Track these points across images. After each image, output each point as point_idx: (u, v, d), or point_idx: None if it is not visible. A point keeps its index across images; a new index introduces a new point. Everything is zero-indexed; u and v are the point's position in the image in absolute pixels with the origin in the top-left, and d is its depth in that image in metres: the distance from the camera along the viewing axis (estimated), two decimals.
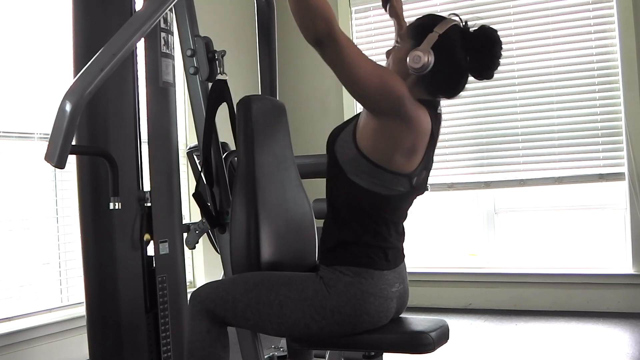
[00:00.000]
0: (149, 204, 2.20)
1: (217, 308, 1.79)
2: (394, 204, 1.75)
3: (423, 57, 1.66)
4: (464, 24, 1.76)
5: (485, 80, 1.80)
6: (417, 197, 1.83)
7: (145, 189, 2.22)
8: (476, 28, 1.75)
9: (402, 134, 1.66)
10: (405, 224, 1.85)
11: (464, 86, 1.79)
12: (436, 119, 1.77)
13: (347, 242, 1.74)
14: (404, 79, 1.72)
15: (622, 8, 3.99)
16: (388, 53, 1.84)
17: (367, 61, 1.63)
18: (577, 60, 4.15)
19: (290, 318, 1.73)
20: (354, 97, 1.68)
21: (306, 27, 1.60)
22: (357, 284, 1.69)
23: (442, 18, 1.76)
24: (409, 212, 1.84)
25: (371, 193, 1.71)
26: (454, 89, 1.79)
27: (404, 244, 1.85)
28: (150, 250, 2.21)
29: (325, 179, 1.92)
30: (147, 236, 2.18)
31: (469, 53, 1.73)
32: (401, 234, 1.83)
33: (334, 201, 1.79)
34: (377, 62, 1.68)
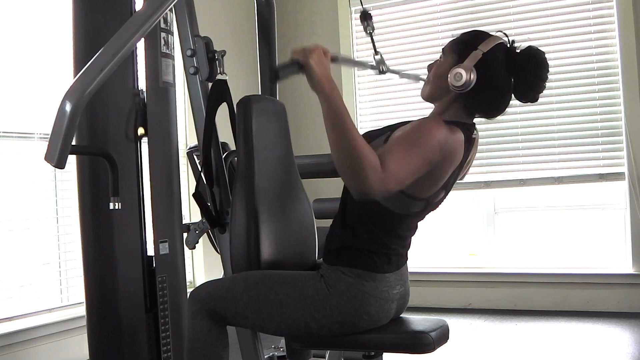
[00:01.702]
0: (144, 97, 2.19)
1: (216, 307, 1.79)
2: (405, 221, 1.74)
3: (465, 75, 1.63)
4: (510, 42, 1.72)
5: (529, 103, 1.75)
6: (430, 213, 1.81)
7: (140, 87, 2.21)
8: (523, 48, 1.71)
9: (433, 168, 1.63)
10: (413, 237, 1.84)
11: (505, 108, 1.74)
12: (469, 143, 1.73)
13: (353, 246, 1.73)
14: (443, 95, 1.70)
15: (622, 8, 3.99)
16: (430, 67, 1.80)
17: (409, 164, 1.56)
18: (577, 60, 4.15)
19: (290, 317, 1.73)
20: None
21: (357, 187, 1.52)
22: (359, 285, 1.69)
23: (488, 35, 1.71)
24: (419, 225, 1.82)
25: (384, 209, 1.69)
26: (494, 110, 1.75)
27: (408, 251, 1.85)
28: (150, 250, 2.21)
29: (324, 179, 1.92)
30: (141, 130, 2.17)
31: (513, 74, 1.69)
32: (407, 245, 1.82)
33: (346, 204, 1.78)
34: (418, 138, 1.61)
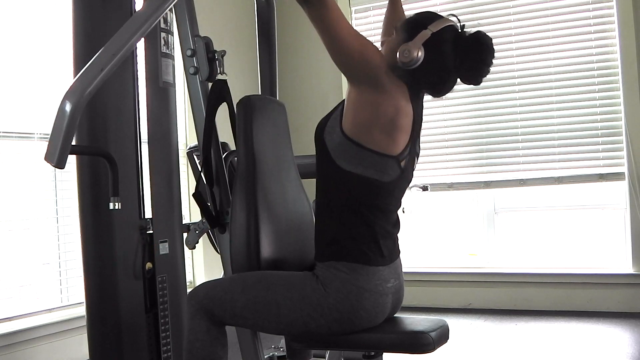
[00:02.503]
0: (150, 232, 2.20)
1: (215, 307, 1.79)
2: (386, 190, 1.76)
3: (412, 52, 1.68)
4: (461, 26, 1.77)
5: (472, 85, 1.80)
6: (408, 187, 1.83)
7: (146, 217, 2.21)
8: (472, 32, 1.75)
9: (379, 106, 1.68)
10: (400, 214, 1.85)
11: (450, 88, 1.80)
12: (418, 104, 1.79)
13: (342, 236, 1.74)
14: (392, 70, 1.74)
15: (622, 8, 3.99)
16: (382, 43, 1.86)
17: (350, 26, 1.68)
18: (577, 60, 4.15)
19: (288, 317, 1.73)
20: (335, 59, 1.70)
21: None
22: (353, 280, 1.70)
23: (439, 17, 1.77)
24: (402, 201, 1.85)
25: (362, 179, 1.72)
26: (439, 89, 1.80)
27: (399, 236, 1.85)
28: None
29: None
30: (149, 265, 2.18)
31: (459, 56, 1.73)
32: (396, 224, 1.83)
33: (326, 194, 1.79)
34: None
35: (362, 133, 1.70)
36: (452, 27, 1.75)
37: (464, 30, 1.77)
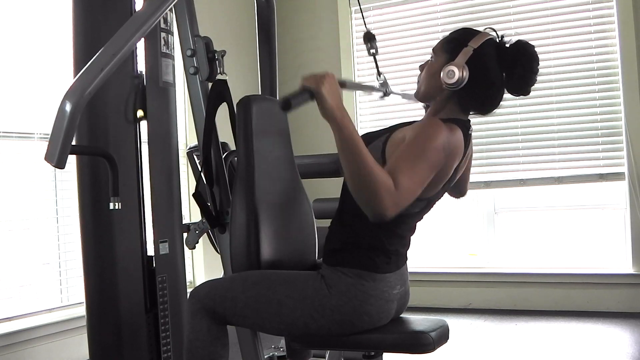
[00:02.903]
0: (142, 79, 2.18)
1: (216, 306, 1.79)
2: (405, 220, 1.74)
3: (457, 72, 1.64)
4: (499, 38, 1.74)
5: (521, 96, 1.77)
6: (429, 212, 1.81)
7: (139, 70, 2.19)
8: (512, 42, 1.72)
9: (439, 171, 1.64)
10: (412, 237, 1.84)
11: (499, 102, 1.76)
12: (467, 139, 1.75)
13: (352, 245, 1.73)
14: (436, 93, 1.71)
15: (622, 8, 3.99)
16: (422, 67, 1.81)
17: (419, 176, 1.58)
18: (577, 60, 4.15)
19: (289, 317, 1.73)
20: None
21: (374, 211, 1.53)
22: (359, 285, 1.69)
23: (476, 32, 1.73)
24: (418, 225, 1.82)
25: None
26: (488, 105, 1.76)
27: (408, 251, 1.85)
28: (150, 250, 2.21)
29: (324, 179, 1.91)
30: (140, 112, 2.16)
31: (504, 69, 1.70)
32: (406, 245, 1.82)
33: (345, 203, 1.78)
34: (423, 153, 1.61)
35: (417, 195, 1.62)
36: (492, 40, 1.72)
37: (504, 41, 1.73)
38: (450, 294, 4.43)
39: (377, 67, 2.16)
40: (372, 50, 2.28)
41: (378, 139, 1.75)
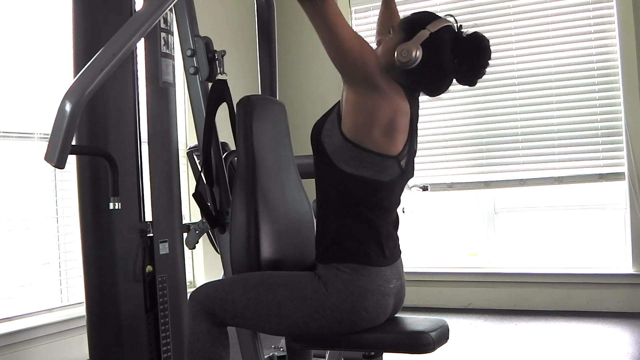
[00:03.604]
0: (150, 235, 2.20)
1: (216, 308, 1.79)
2: (386, 189, 1.76)
3: (411, 52, 1.68)
4: (458, 26, 1.77)
5: (467, 86, 1.81)
6: (408, 187, 1.83)
7: (147, 220, 2.21)
8: (469, 33, 1.76)
9: (378, 108, 1.68)
10: (399, 213, 1.86)
11: (447, 87, 1.80)
12: (414, 102, 1.79)
13: (343, 237, 1.74)
14: (389, 69, 1.74)
15: (622, 8, 3.99)
16: (379, 42, 1.86)
17: (349, 25, 1.67)
18: (577, 60, 4.15)
19: (289, 318, 1.73)
20: (333, 57, 1.69)
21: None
22: (355, 280, 1.70)
23: (436, 17, 1.77)
24: (401, 199, 1.85)
25: (362, 179, 1.72)
26: (436, 88, 1.81)
27: (399, 235, 1.85)
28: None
29: None
30: (149, 268, 2.18)
31: (456, 57, 1.74)
32: (395, 222, 1.83)
33: (325, 195, 1.79)
34: None
35: (362, 134, 1.70)
36: (450, 28, 1.76)
37: (462, 30, 1.77)
38: (450, 294, 4.43)
39: None
40: None
41: (330, 117, 1.78)
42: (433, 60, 1.72)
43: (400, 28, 1.77)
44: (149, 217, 2.23)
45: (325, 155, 1.76)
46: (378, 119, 1.69)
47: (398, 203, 1.84)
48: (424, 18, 1.77)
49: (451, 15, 1.80)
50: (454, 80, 1.80)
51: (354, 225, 1.74)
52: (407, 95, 1.75)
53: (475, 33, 1.76)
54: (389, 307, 1.77)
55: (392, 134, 1.71)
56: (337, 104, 1.79)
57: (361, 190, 1.73)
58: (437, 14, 1.80)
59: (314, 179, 1.84)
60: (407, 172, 1.80)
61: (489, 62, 1.76)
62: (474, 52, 1.74)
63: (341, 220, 1.75)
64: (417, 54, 1.68)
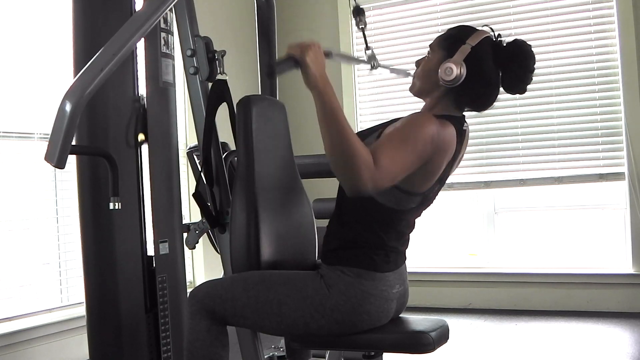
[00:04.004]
0: (143, 102, 2.18)
1: (216, 307, 1.79)
2: (403, 216, 1.75)
3: (455, 70, 1.65)
4: (496, 36, 1.74)
5: (517, 94, 1.77)
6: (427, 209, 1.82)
7: (140, 93, 2.20)
8: (509, 41, 1.73)
9: (428, 161, 1.64)
10: (411, 234, 1.84)
11: (494, 100, 1.77)
12: (461, 136, 1.75)
13: (351, 243, 1.73)
14: (433, 90, 1.72)
15: (622, 8, 3.99)
16: (418, 62, 1.81)
17: (401, 159, 1.57)
18: (577, 60, 4.15)
19: (289, 317, 1.73)
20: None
21: (351, 184, 1.52)
22: (358, 284, 1.69)
23: (474, 30, 1.73)
24: (416, 222, 1.83)
25: (381, 205, 1.70)
26: (483, 103, 1.77)
27: (407, 249, 1.85)
28: (150, 250, 2.21)
29: (324, 179, 1.90)
30: (141, 136, 2.17)
31: (501, 67, 1.71)
32: (406, 242, 1.82)
33: (342, 203, 1.78)
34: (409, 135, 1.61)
35: (401, 180, 1.63)
36: (490, 39, 1.72)
37: (500, 40, 1.74)
38: (450, 294, 4.43)
39: (365, 40, 2.16)
40: (361, 25, 2.28)
41: (371, 136, 1.76)
42: (477, 74, 1.68)
43: (440, 46, 1.74)
44: (148, 214, 2.23)
45: None
46: (424, 169, 1.65)
47: (412, 227, 1.81)
48: (463, 32, 1.73)
49: (487, 26, 1.76)
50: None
51: (363, 236, 1.73)
52: (456, 130, 1.70)
53: (516, 40, 1.73)
54: (391, 311, 1.77)
55: (430, 177, 1.69)
56: (380, 128, 1.75)
57: (378, 214, 1.72)
58: (473, 26, 1.76)
59: (314, 179, 1.84)
60: (429, 200, 1.78)
61: (535, 66, 1.72)
62: (519, 60, 1.71)
63: (353, 232, 1.74)
64: (462, 70, 1.65)
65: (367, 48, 2.17)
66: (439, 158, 1.66)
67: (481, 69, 1.69)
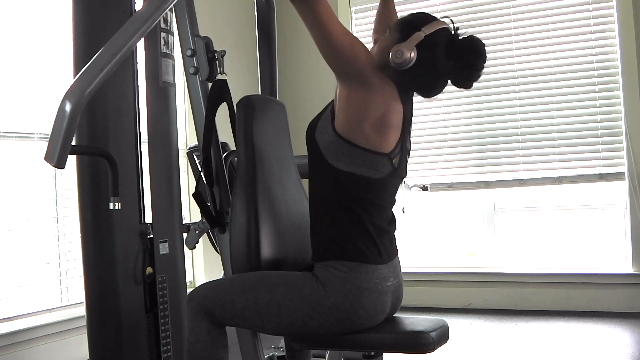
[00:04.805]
0: (151, 236, 2.20)
1: (215, 308, 1.79)
2: (378, 186, 1.76)
3: (405, 53, 1.68)
4: (454, 29, 1.77)
5: (463, 89, 1.81)
6: (406, 186, 1.84)
7: (147, 222, 2.21)
8: (465, 37, 1.76)
9: (369, 103, 1.69)
10: (396, 212, 1.86)
11: (440, 90, 1.81)
12: (407, 101, 1.79)
13: (338, 235, 1.74)
14: (383, 68, 1.75)
15: (622, 8, 3.99)
16: (375, 40, 1.87)
17: (340, 23, 1.69)
18: (577, 60, 4.15)
19: (288, 317, 1.73)
20: (325, 54, 1.70)
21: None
22: (352, 279, 1.70)
23: (433, 19, 1.77)
24: (396, 198, 1.85)
25: (353, 176, 1.72)
26: (429, 90, 1.81)
27: (396, 235, 1.85)
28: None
29: None
30: (149, 269, 2.18)
31: (451, 59, 1.74)
32: (391, 221, 1.83)
33: (318, 193, 1.80)
34: None
35: (353, 130, 1.71)
36: (446, 30, 1.76)
37: (458, 33, 1.77)
38: (450, 294, 4.43)
39: None
40: None
41: (322, 117, 1.80)
42: (427, 61, 1.72)
43: (396, 29, 1.78)
44: (149, 217, 2.23)
45: (319, 152, 1.77)
46: (369, 114, 1.70)
47: (393, 202, 1.84)
48: (420, 19, 1.77)
49: (448, 17, 1.80)
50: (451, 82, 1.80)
51: (347, 222, 1.74)
52: (400, 95, 1.75)
53: (471, 36, 1.76)
54: (387, 305, 1.77)
55: (383, 131, 1.72)
56: (332, 102, 1.80)
57: (353, 187, 1.74)
58: (434, 15, 1.80)
59: None
60: (400, 170, 1.80)
61: (484, 65, 1.76)
62: (468, 55, 1.74)
63: (334, 218, 1.75)
64: (412, 55, 1.69)
65: None
66: (378, 96, 1.70)
67: (430, 57, 1.72)
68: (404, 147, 1.80)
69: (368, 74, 1.70)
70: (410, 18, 1.79)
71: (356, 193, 1.74)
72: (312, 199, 1.82)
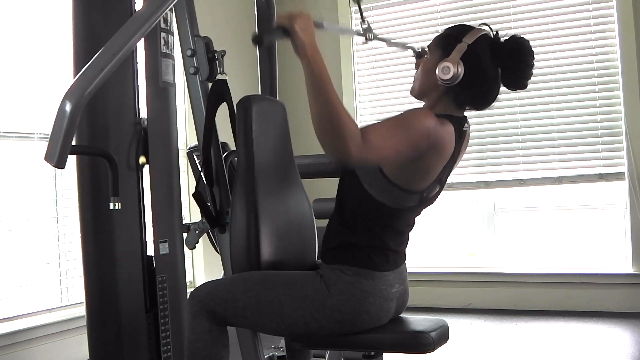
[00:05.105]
0: (144, 125, 2.18)
1: (216, 307, 1.79)
2: (402, 215, 1.75)
3: (452, 68, 1.65)
4: (494, 33, 1.74)
5: (519, 90, 1.77)
6: (426, 208, 1.83)
7: (141, 116, 2.20)
8: (507, 38, 1.73)
9: (425, 159, 1.65)
10: (411, 233, 1.84)
11: (494, 98, 1.76)
12: (460, 136, 1.75)
13: (350, 243, 1.74)
14: (432, 90, 1.72)
15: (622, 8, 3.99)
16: (417, 65, 1.81)
17: (392, 140, 1.56)
18: (577, 60, 4.15)
19: (289, 317, 1.73)
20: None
21: (336, 153, 1.51)
22: (358, 283, 1.70)
23: (471, 28, 1.73)
24: (416, 220, 1.83)
25: (381, 204, 1.71)
26: (483, 101, 1.77)
27: (406, 249, 1.85)
28: (150, 250, 2.21)
29: (324, 179, 1.90)
30: (142, 159, 2.17)
31: (499, 63, 1.71)
32: (405, 241, 1.83)
33: (342, 202, 1.78)
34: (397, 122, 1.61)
35: (396, 174, 1.66)
36: (487, 36, 1.72)
37: (498, 37, 1.74)
38: (450, 294, 4.43)
39: (361, 14, 2.16)
40: None
41: None
42: (475, 71, 1.68)
43: (436, 46, 1.74)
44: (149, 217, 2.23)
45: (352, 170, 1.74)
46: (421, 167, 1.66)
47: (412, 225, 1.82)
48: (458, 31, 1.73)
49: (485, 24, 1.76)
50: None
51: (364, 236, 1.73)
52: (455, 130, 1.70)
53: (514, 36, 1.72)
54: (391, 311, 1.77)
55: (427, 175, 1.69)
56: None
57: (378, 213, 1.72)
58: (470, 25, 1.76)
59: (314, 179, 1.84)
60: (429, 200, 1.78)
61: (534, 61, 1.72)
62: (517, 55, 1.71)
63: (352, 229, 1.74)
64: (459, 69, 1.65)
65: (363, 21, 2.17)
66: (435, 155, 1.66)
67: (478, 66, 1.69)
68: (440, 179, 1.76)
69: (432, 139, 1.61)
70: (448, 32, 1.76)
71: (378, 217, 1.73)
72: (337, 202, 1.80)
